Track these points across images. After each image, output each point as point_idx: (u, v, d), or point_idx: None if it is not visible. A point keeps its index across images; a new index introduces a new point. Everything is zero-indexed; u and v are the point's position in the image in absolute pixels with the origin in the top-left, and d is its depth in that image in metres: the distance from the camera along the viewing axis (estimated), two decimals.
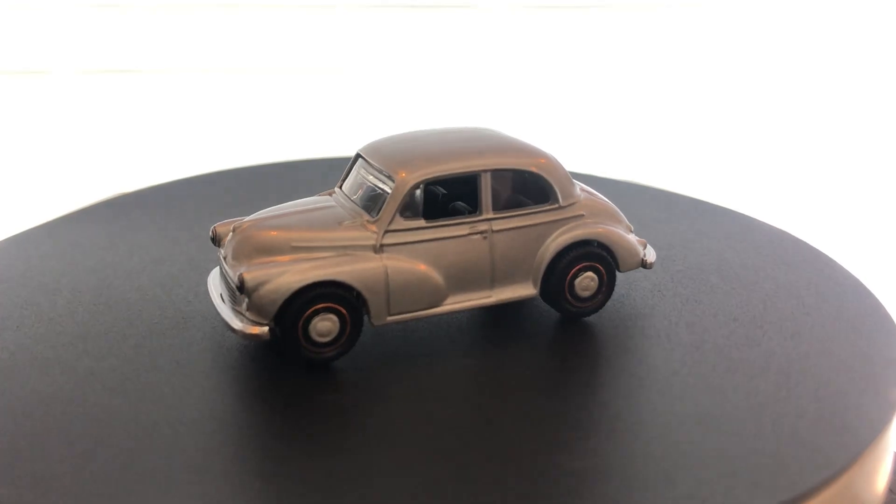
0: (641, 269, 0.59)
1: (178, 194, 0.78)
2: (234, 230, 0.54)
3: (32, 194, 1.07)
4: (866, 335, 0.56)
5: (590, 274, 0.57)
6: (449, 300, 0.54)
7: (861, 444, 0.46)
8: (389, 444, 0.46)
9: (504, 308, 0.59)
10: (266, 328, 0.50)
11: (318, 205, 0.56)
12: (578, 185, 0.59)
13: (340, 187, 0.57)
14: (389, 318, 0.53)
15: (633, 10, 1.19)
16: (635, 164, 1.16)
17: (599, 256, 0.57)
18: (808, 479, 0.43)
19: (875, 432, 0.47)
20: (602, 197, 0.60)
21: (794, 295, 0.61)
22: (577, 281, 0.56)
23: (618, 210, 0.59)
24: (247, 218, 0.55)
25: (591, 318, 0.58)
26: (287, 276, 0.51)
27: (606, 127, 1.19)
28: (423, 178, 0.53)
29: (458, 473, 0.43)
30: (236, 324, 0.51)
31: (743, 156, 1.20)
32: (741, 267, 0.66)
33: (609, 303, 0.58)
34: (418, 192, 0.54)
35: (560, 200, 0.56)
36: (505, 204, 0.55)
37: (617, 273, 0.58)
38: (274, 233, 0.53)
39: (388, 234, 0.53)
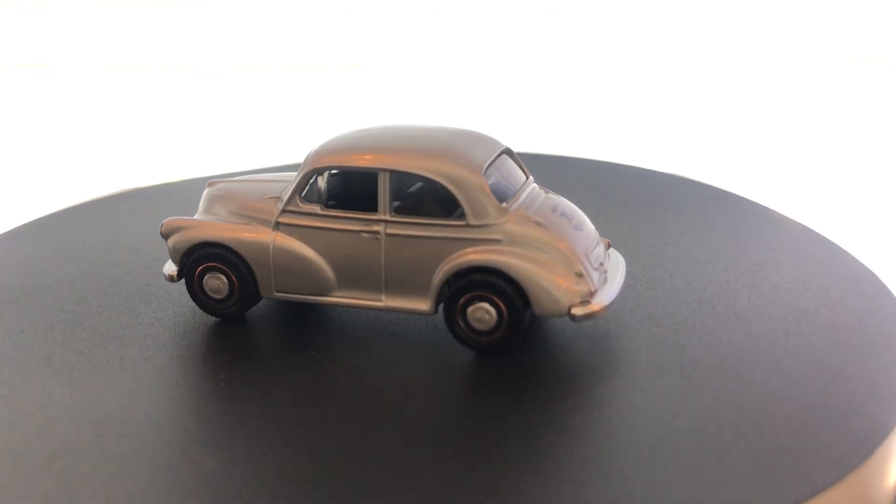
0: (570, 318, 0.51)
1: (181, 195, 0.76)
2: (207, 185, 0.60)
3: (32, 190, 1.06)
4: (880, 329, 0.54)
5: (485, 305, 0.51)
6: (338, 293, 0.54)
7: (873, 440, 0.44)
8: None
9: None
10: (175, 273, 0.56)
11: (278, 178, 0.59)
12: (536, 209, 0.53)
13: None
14: (276, 294, 0.55)
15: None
16: (653, 153, 1.10)
17: (498, 289, 0.51)
18: (819, 478, 0.42)
19: (888, 428, 0.45)
20: (567, 228, 0.52)
21: (803, 287, 0.59)
22: (470, 310, 0.51)
23: (572, 249, 0.51)
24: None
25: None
26: (192, 230, 0.56)
27: (625, 116, 1.13)
28: (320, 165, 0.54)
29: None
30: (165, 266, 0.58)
31: (758, 144, 1.15)
32: (749, 256, 0.63)
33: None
34: (321, 179, 0.54)
35: (469, 218, 0.51)
36: (413, 210, 0.52)
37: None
38: (219, 194, 0.58)
39: (286, 214, 0.54)
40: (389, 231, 0.52)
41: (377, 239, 0.52)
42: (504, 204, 0.52)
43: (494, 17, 1.31)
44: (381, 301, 0.53)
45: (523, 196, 0.54)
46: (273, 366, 0.53)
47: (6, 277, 0.63)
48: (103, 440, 0.46)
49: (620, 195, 0.77)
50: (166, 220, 0.57)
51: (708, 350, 0.52)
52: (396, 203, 0.53)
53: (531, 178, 0.56)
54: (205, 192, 0.59)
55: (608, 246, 0.56)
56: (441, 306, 0.53)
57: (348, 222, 0.53)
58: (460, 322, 0.52)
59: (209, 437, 0.46)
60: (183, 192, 0.76)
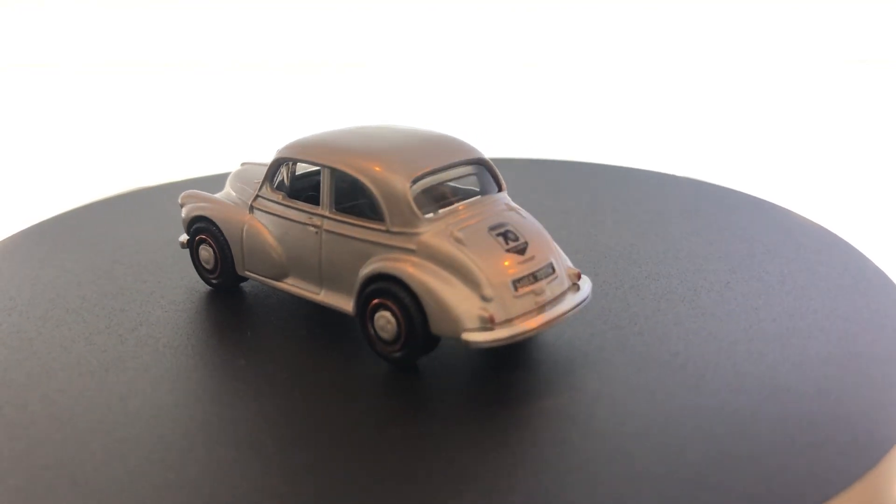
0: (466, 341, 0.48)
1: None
2: (240, 164, 0.63)
3: (33, 190, 1.07)
4: (891, 333, 0.54)
5: (386, 314, 0.50)
6: (289, 280, 0.56)
7: (883, 445, 0.44)
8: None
9: None
10: (185, 241, 0.61)
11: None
12: (470, 224, 0.51)
13: None
14: (246, 272, 0.58)
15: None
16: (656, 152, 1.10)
17: (398, 300, 0.50)
18: (830, 482, 0.41)
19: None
20: (494, 248, 0.50)
21: (815, 289, 0.59)
22: (376, 317, 0.51)
23: (484, 271, 0.49)
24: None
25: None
26: (197, 204, 0.60)
27: (625, 117, 1.14)
28: (284, 156, 0.56)
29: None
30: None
31: (758, 143, 1.15)
32: (762, 257, 0.63)
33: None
34: (286, 169, 0.56)
35: (388, 224, 0.51)
36: (352, 210, 0.53)
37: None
38: (236, 176, 0.62)
39: (258, 200, 0.57)
40: (327, 227, 0.53)
41: (317, 233, 0.53)
42: (430, 215, 0.51)
43: (494, 17, 1.31)
44: (319, 295, 0.54)
45: (464, 209, 0.52)
46: (219, 337, 0.55)
47: (79, 237, 0.71)
48: (18, 370, 0.51)
49: (640, 202, 0.75)
50: (185, 191, 0.61)
51: (712, 354, 0.50)
52: (353, 202, 0.53)
53: (503, 191, 0.54)
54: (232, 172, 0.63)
55: (578, 276, 0.52)
56: None
57: (299, 213, 0.55)
58: (371, 328, 0.51)
59: (120, 408, 0.47)
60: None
